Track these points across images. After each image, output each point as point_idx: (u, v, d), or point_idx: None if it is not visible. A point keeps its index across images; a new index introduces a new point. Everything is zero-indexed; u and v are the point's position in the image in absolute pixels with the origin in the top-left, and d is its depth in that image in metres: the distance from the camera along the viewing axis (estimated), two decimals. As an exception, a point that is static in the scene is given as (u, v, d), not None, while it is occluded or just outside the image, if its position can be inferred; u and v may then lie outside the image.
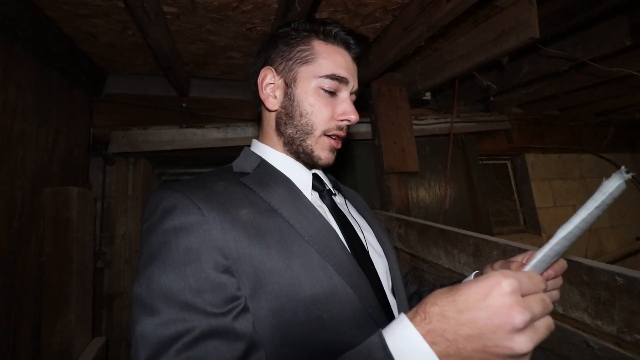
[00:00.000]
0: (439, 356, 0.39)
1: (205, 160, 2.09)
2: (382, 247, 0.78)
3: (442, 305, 0.40)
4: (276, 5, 1.31)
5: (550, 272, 0.52)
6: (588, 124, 3.03)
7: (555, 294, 0.56)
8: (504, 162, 2.92)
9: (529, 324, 0.37)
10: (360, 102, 1.98)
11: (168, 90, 1.92)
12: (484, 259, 1.16)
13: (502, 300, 0.37)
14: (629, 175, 0.39)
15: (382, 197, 1.94)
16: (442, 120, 2.27)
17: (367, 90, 1.96)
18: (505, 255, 1.08)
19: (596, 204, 0.40)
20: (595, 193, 0.40)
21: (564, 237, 0.42)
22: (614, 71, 1.61)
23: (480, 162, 2.57)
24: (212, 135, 1.91)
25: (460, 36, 1.60)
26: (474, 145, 2.46)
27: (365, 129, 2.09)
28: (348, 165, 2.13)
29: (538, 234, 2.68)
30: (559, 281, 0.56)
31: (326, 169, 0.84)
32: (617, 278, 0.80)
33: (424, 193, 2.20)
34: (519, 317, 0.36)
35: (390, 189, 1.84)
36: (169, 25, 1.41)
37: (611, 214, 3.00)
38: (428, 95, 2.03)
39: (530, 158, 2.81)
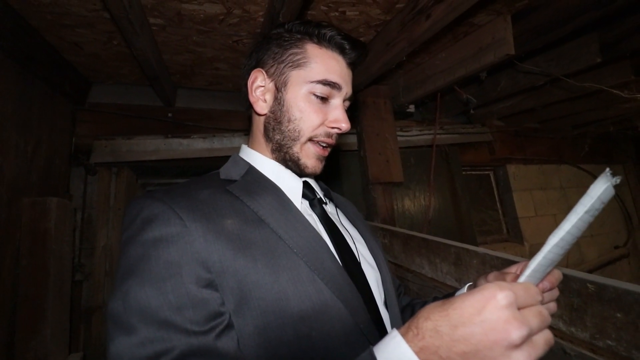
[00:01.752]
0: None
1: (191, 171, 2.08)
2: (374, 258, 0.75)
3: (435, 320, 0.38)
4: (262, 19, 1.34)
5: (546, 283, 0.50)
6: (566, 136, 3.14)
7: (553, 306, 0.54)
8: (487, 172, 2.99)
9: (527, 339, 0.36)
10: (347, 113, 2.03)
11: (154, 100, 1.92)
12: (465, 268, 1.18)
13: (498, 314, 0.35)
14: (616, 180, 0.39)
15: (367, 207, 1.96)
16: (426, 131, 2.32)
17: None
18: (484, 264, 1.10)
19: (585, 209, 0.39)
20: (583, 197, 0.39)
21: (556, 245, 0.41)
22: (586, 86, 1.68)
23: (464, 172, 2.63)
24: (197, 146, 1.90)
25: (441, 51, 1.66)
26: (458, 156, 2.52)
27: (352, 139, 2.12)
28: (335, 175, 2.15)
29: (520, 242, 2.73)
30: (555, 292, 0.54)
31: (317, 177, 0.81)
32: (589, 285, 0.83)
33: (409, 203, 2.23)
34: (516, 333, 0.35)
35: (376, 199, 1.86)
36: (155, 36, 1.42)
37: (590, 224, 3.09)
38: (412, 108, 2.08)
39: (511, 169, 2.89)
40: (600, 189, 0.38)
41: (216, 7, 1.25)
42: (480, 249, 1.14)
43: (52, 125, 1.56)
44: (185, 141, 1.89)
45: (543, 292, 0.50)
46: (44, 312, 1.31)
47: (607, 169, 0.40)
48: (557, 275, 0.52)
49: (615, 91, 1.68)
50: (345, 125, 0.70)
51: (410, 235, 1.48)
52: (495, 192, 2.96)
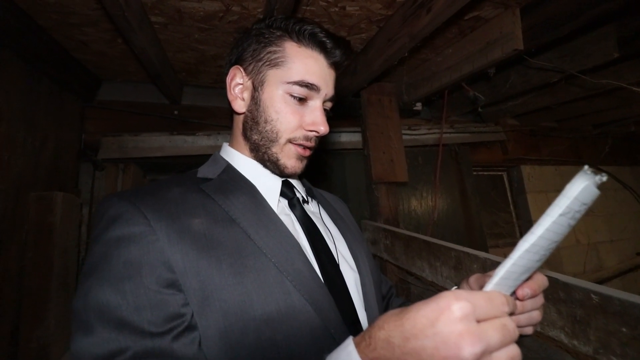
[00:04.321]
0: None
1: (196, 167, 2.10)
2: (354, 259, 0.73)
3: (388, 330, 0.36)
4: (261, 16, 1.33)
5: (527, 290, 0.45)
6: (585, 136, 3.00)
7: (536, 315, 0.50)
8: (499, 173, 2.88)
9: (483, 355, 0.32)
10: (351, 111, 1.99)
11: (160, 98, 1.94)
12: (465, 272, 1.14)
13: (451, 327, 0.33)
14: (600, 178, 0.34)
15: (371, 207, 1.92)
16: (435, 130, 2.25)
17: (357, 99, 1.97)
18: (485, 269, 1.05)
19: (560, 211, 0.34)
20: (558, 197, 0.35)
21: (527, 250, 0.37)
22: (604, 83, 1.59)
23: (475, 173, 2.55)
24: (202, 143, 1.92)
25: (447, 47, 1.60)
26: (468, 156, 2.44)
27: (357, 138, 2.09)
28: (339, 175, 2.12)
29: (534, 247, 2.63)
30: (539, 300, 0.50)
31: (304, 175, 0.79)
32: (592, 296, 0.78)
33: (416, 204, 2.18)
34: (468, 349, 0.32)
35: (379, 199, 1.82)
36: (159, 34, 1.43)
37: (611, 228, 2.94)
38: (419, 106, 2.03)
39: (526, 170, 2.77)
40: (578, 188, 0.34)
41: (215, 4, 1.25)
42: (482, 254, 1.09)
43: (59, 122, 1.60)
44: (189, 138, 1.91)
45: (523, 299, 0.47)
46: (47, 303, 1.35)
47: (586, 166, 0.35)
48: (540, 280, 0.47)
49: (635, 89, 1.58)
50: (323, 128, 0.68)
51: (411, 237, 1.44)
52: (509, 194, 2.86)
